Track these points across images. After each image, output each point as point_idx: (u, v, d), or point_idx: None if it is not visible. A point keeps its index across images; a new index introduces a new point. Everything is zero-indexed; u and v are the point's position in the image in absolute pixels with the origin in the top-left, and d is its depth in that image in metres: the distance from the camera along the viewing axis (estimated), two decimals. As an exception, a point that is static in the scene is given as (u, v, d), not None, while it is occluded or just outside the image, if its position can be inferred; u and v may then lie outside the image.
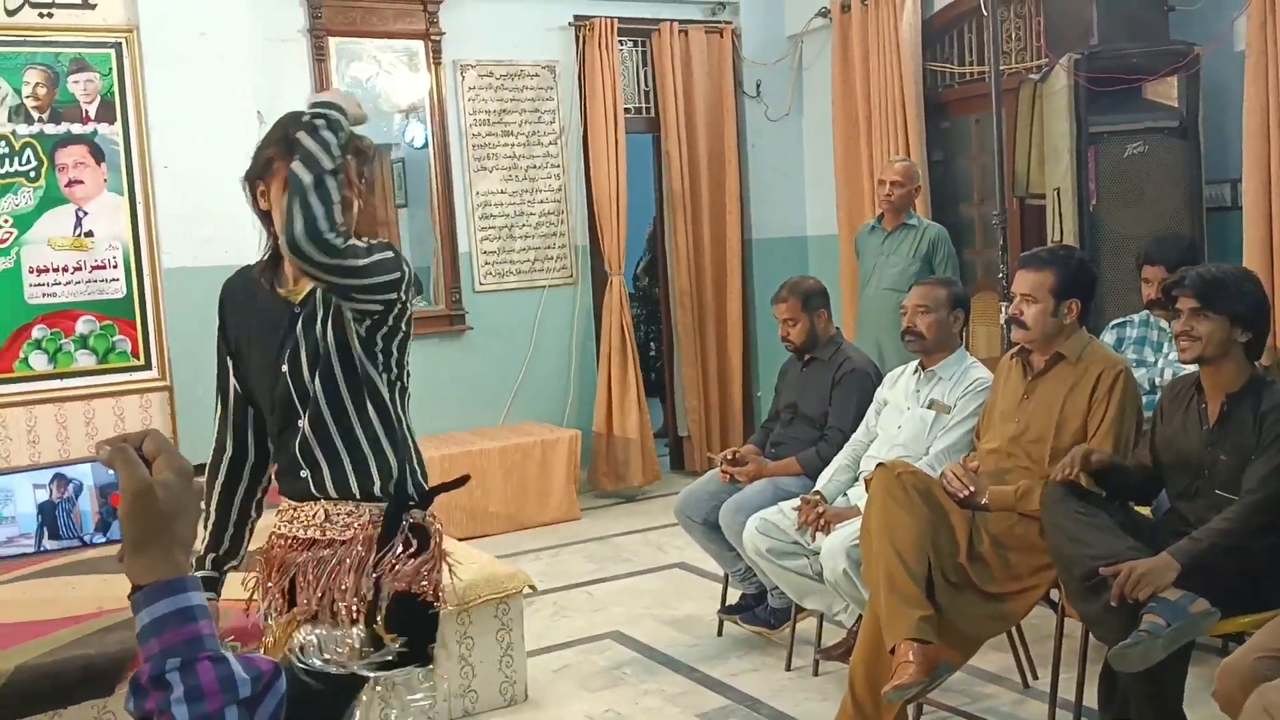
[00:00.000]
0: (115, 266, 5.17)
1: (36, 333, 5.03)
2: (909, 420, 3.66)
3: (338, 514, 2.13)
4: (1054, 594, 3.19)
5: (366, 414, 2.14)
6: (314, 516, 2.15)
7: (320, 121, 2.01)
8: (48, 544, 1.10)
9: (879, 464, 3.24)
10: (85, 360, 5.11)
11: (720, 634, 4.24)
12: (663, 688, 3.80)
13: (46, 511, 1.09)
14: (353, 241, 2.04)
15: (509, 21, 6.29)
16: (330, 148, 2.00)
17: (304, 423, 2.12)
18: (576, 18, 6.43)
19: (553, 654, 4.15)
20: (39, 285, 5.04)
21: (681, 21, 6.68)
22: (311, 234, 1.93)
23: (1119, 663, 2.66)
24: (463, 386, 6.23)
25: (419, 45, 6.10)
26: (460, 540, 4.28)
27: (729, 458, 4.14)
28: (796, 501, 3.73)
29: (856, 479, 3.74)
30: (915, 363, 3.76)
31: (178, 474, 1.07)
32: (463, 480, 2.27)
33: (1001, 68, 5.06)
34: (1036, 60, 5.56)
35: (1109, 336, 4.05)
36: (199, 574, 2.10)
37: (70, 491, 1.10)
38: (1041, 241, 5.15)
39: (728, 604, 4.27)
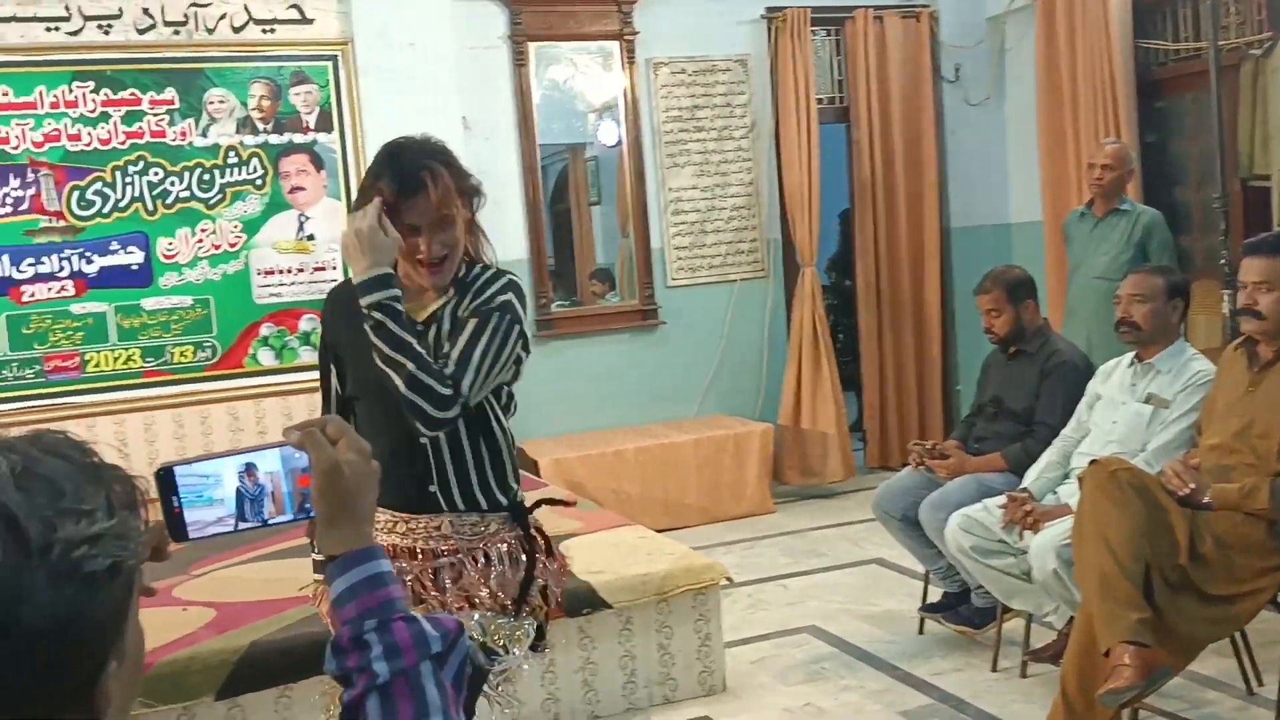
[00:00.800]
0: (335, 268, 5.47)
1: (264, 330, 5.38)
2: (1124, 415, 3.52)
3: (463, 524, 2.17)
4: (1283, 598, 3.02)
5: (490, 429, 2.19)
6: (437, 528, 2.16)
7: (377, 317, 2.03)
8: (241, 525, 1.17)
9: (1093, 460, 3.12)
10: (308, 356, 5.43)
11: (921, 632, 4.17)
12: (863, 684, 3.77)
13: (240, 496, 1.18)
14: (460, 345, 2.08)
15: (701, 17, 6.33)
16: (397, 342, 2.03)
17: (432, 439, 2.13)
18: (769, 10, 6.42)
19: (750, 646, 4.17)
20: (266, 286, 5.38)
21: (876, 8, 6.57)
22: (435, 410, 2.01)
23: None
24: (655, 380, 6.32)
25: (614, 45, 6.21)
26: (657, 532, 4.35)
27: (929, 448, 4.07)
28: (1002, 499, 3.63)
29: (1067, 476, 3.61)
30: (1131, 355, 3.61)
31: (359, 454, 1.16)
32: (570, 503, 2.35)
33: (1220, 43, 4.79)
34: (1258, 35, 5.24)
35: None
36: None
37: (260, 478, 1.18)
38: (1267, 226, 4.86)
39: (929, 602, 4.20)
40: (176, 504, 1.17)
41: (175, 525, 1.18)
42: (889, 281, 6.71)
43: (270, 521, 1.17)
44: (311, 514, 1.17)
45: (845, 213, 7.40)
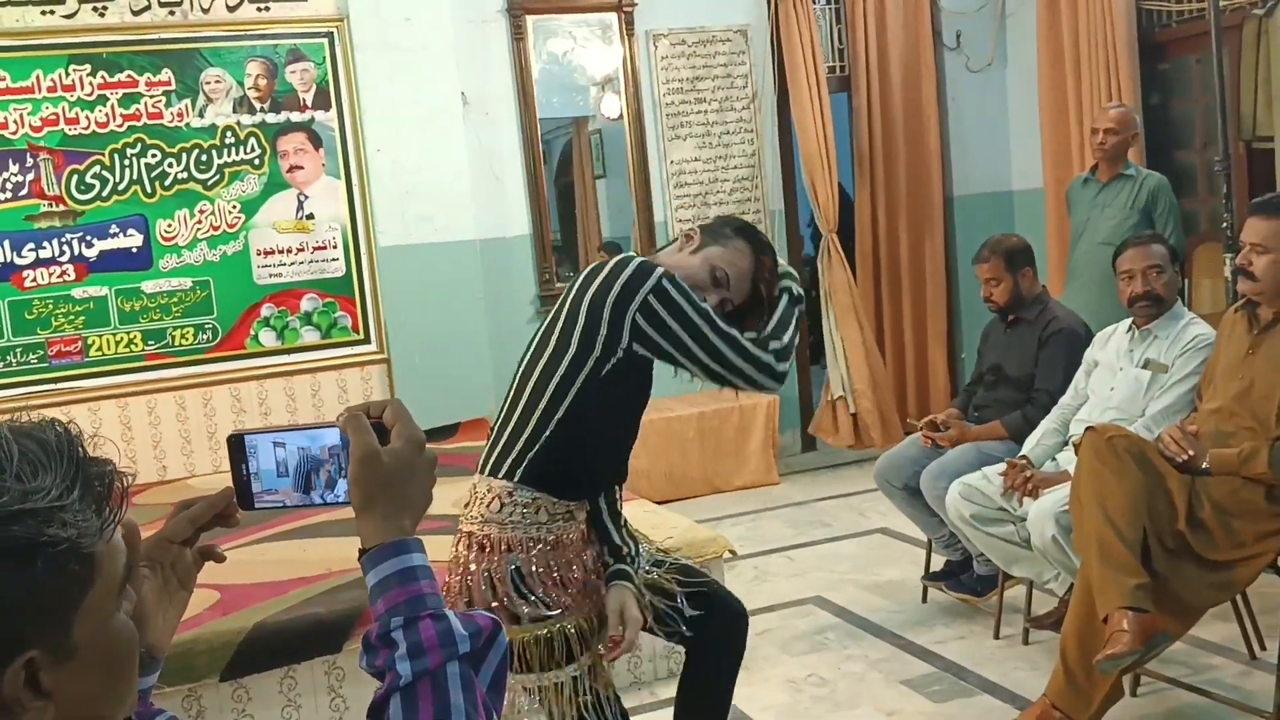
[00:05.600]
0: (335, 247, 5.47)
1: (265, 311, 5.38)
2: (1122, 381, 3.50)
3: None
4: (1283, 562, 3.01)
5: None
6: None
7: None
8: (304, 499, 1.18)
9: (1089, 427, 3.11)
10: (310, 336, 5.43)
11: (925, 600, 4.18)
12: (866, 653, 3.78)
13: (303, 471, 1.17)
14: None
15: (700, -13, 6.28)
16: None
17: None
18: (768, -22, 6.37)
19: (755, 618, 4.10)
20: (266, 266, 5.38)
21: (877, -26, 6.51)
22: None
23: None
24: (661, 353, 6.29)
25: (612, 17, 6.16)
26: (659, 504, 4.36)
27: (932, 423, 4.06)
28: (1002, 466, 3.63)
29: (1065, 443, 3.61)
30: (1128, 321, 3.59)
31: (408, 442, 1.12)
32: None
33: (1222, 2, 4.73)
34: (1263, -8, 5.17)
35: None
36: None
37: (324, 454, 1.16)
38: (1271, 187, 4.82)
39: (932, 570, 4.21)
40: (245, 471, 1.17)
41: (243, 493, 1.18)
42: (888, 252, 6.67)
43: (329, 500, 1.16)
44: (332, 503, 1.16)
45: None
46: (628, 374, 2.12)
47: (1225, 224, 4.46)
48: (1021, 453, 3.66)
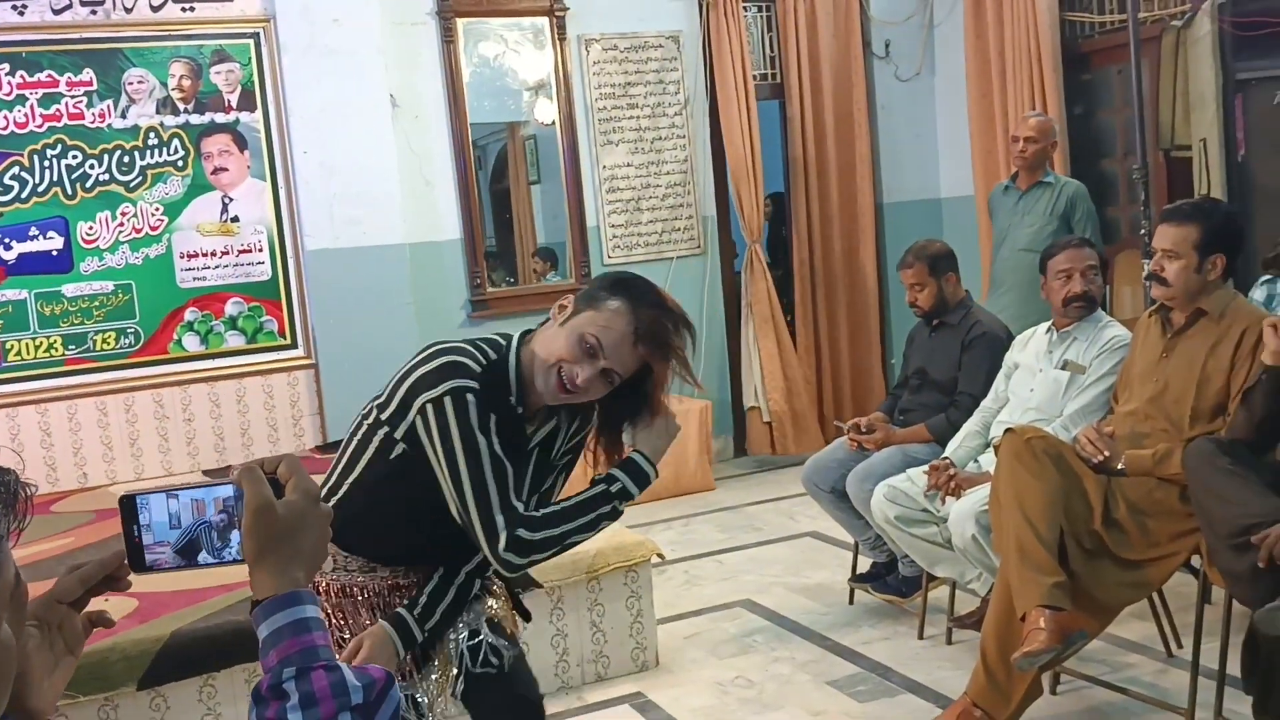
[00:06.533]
0: (260, 250, 5.39)
1: (189, 315, 5.29)
2: (1041, 382, 3.56)
3: None
4: (1195, 560, 3.07)
5: None
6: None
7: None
8: (197, 561, 1.17)
9: (1007, 429, 3.16)
10: (235, 340, 5.35)
11: (851, 602, 4.21)
12: (793, 655, 3.80)
13: (197, 530, 1.16)
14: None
15: (632, -7, 6.30)
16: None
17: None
18: (699, -14, 6.40)
19: (684, 621, 4.19)
20: (189, 270, 5.29)
21: (807, -17, 6.57)
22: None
23: (1267, 626, 2.55)
24: (595, 358, 6.29)
25: (544, 21, 6.15)
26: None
27: (857, 426, 4.09)
28: (925, 468, 3.67)
29: (988, 445, 3.65)
30: (1047, 324, 3.65)
31: (303, 495, 1.13)
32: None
33: (1141, 15, 4.84)
34: (1180, 6, 5.30)
35: (1259, 294, 3.85)
36: None
37: (217, 514, 1.16)
38: (1188, 195, 4.93)
39: (858, 572, 4.24)
40: (137, 533, 1.16)
41: (135, 555, 1.17)
42: (823, 258, 6.73)
43: (227, 559, 1.16)
44: (227, 561, 1.15)
45: (775, 195, 7.42)
46: (413, 467, 1.99)
47: (1144, 231, 4.56)
48: (944, 455, 3.71)
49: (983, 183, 6.21)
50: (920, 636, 3.82)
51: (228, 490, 1.15)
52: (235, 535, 1.15)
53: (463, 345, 2.02)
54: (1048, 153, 4.86)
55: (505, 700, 2.22)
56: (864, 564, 4.24)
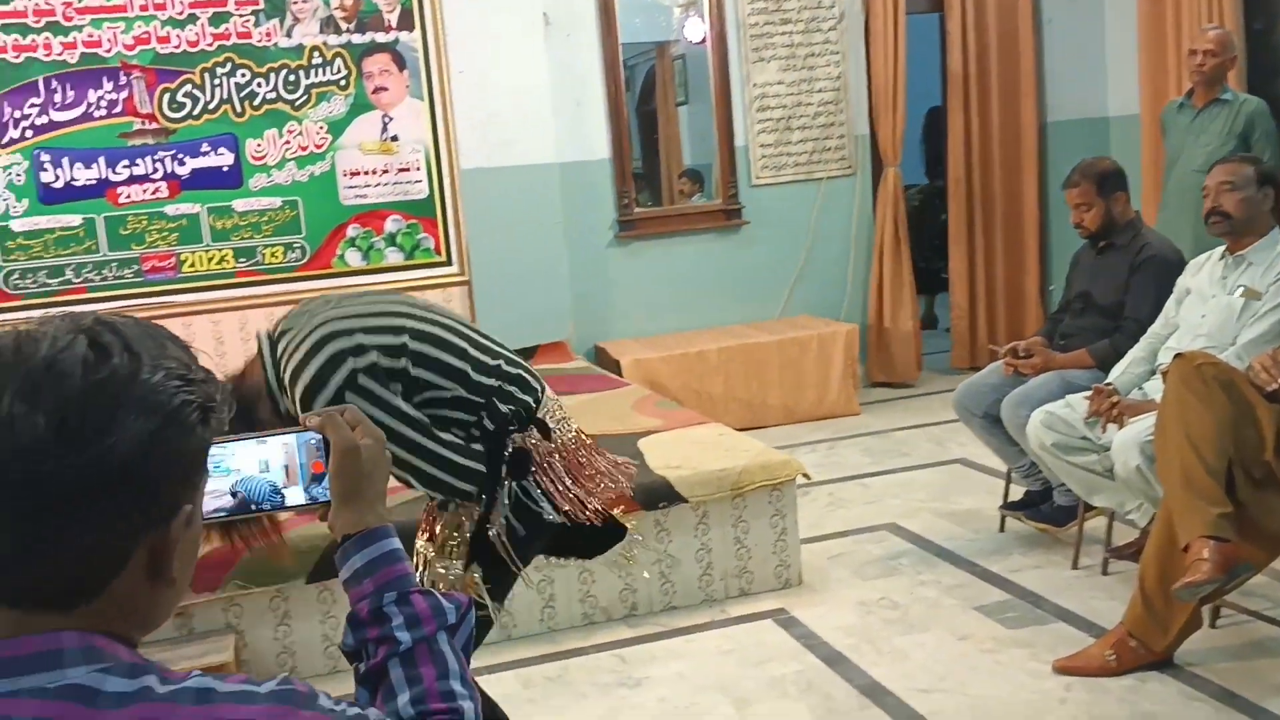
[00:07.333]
0: (418, 169, 5.51)
1: (351, 231, 5.46)
2: (1214, 308, 3.41)
3: None
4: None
5: None
6: None
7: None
8: (255, 507, 1.24)
9: (1176, 354, 3.04)
10: (394, 257, 5.50)
11: (1002, 530, 4.15)
12: (940, 579, 3.78)
13: (256, 477, 1.23)
14: None
15: (788, -96, 6.15)
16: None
17: None
18: (858, -104, 6.21)
19: (828, 542, 4.20)
20: (351, 187, 5.45)
21: (971, -108, 6.31)
22: None
23: None
24: (738, 281, 6.29)
25: (698, -64, 6.07)
26: (739, 431, 4.37)
27: (1014, 350, 4.00)
28: (1087, 394, 3.57)
29: (1153, 372, 3.53)
30: (1222, 248, 3.48)
31: (375, 439, 1.23)
32: None
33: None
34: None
35: None
36: None
37: (276, 461, 1.23)
38: (1382, 114, 4.61)
39: (1010, 500, 4.17)
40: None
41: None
42: (981, 179, 6.55)
43: (284, 505, 1.23)
44: (320, 500, 1.22)
45: (933, 110, 7.21)
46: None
47: (1331, 151, 4.29)
48: (1107, 381, 3.59)
49: (1151, 102, 5.92)
50: (1074, 566, 3.75)
51: (310, 436, 1.22)
52: (284, 483, 1.22)
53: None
54: (1226, 68, 4.61)
55: None
56: (1016, 492, 4.17)
